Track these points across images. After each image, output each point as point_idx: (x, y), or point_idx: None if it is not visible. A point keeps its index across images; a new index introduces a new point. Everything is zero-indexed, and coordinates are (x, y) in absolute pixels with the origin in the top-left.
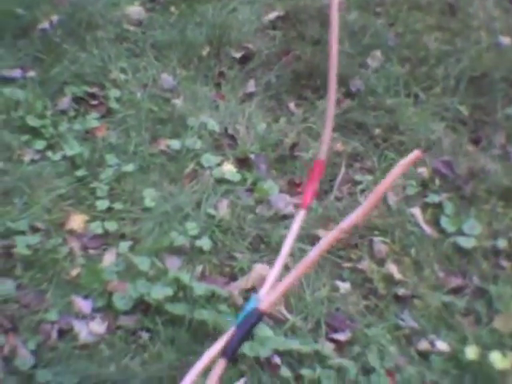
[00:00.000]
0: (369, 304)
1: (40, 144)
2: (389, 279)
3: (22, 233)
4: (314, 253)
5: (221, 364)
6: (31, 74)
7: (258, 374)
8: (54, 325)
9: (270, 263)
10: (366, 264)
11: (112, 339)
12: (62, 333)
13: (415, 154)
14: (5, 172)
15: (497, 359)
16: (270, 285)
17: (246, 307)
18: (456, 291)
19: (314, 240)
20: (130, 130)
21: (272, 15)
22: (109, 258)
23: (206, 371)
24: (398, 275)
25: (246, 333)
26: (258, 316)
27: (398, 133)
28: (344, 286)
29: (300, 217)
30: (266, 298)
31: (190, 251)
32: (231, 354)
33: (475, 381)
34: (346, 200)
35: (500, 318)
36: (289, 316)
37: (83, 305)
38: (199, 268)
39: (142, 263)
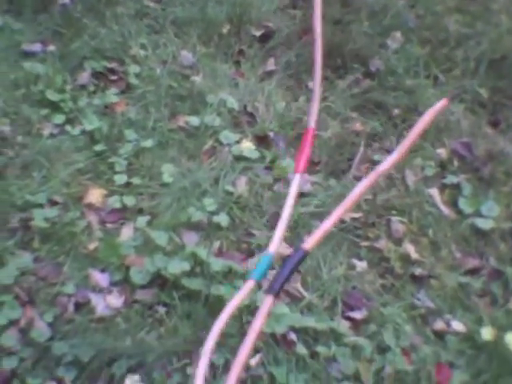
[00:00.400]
0: (385, 283)
1: (59, 118)
2: (406, 259)
3: (40, 206)
4: (352, 194)
5: (268, 300)
6: (51, 48)
7: (274, 351)
8: (71, 298)
9: (288, 241)
10: (383, 243)
11: (128, 313)
12: (78, 306)
13: (443, 101)
14: (24, 146)
15: None
16: (276, 245)
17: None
18: (473, 272)
19: None
20: (149, 105)
21: None
22: (126, 233)
23: None
24: (414, 255)
25: (291, 270)
26: (303, 254)
27: (417, 114)
28: (361, 265)
29: (296, 180)
30: (309, 239)
31: (208, 227)
32: (277, 290)
33: (490, 361)
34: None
35: None
36: (305, 293)
37: (100, 278)
38: (216, 244)
39: (160, 238)
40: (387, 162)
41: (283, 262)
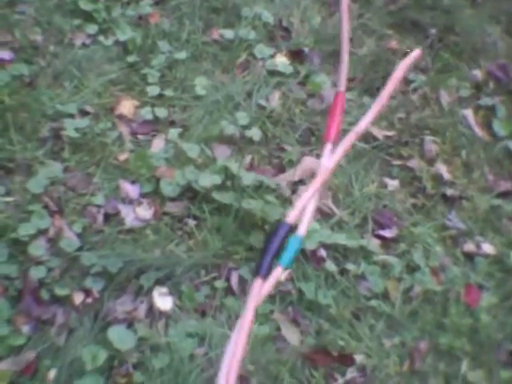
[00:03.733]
0: (416, 202)
1: (92, 28)
2: (438, 179)
3: (71, 116)
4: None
5: None
6: None
7: (303, 267)
8: (100, 209)
9: (319, 156)
10: (415, 162)
11: (158, 225)
12: (107, 217)
13: (416, 52)
14: (56, 55)
15: None
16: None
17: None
18: (505, 195)
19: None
20: (184, 17)
21: None
22: (158, 145)
23: None
24: (447, 175)
25: None
26: None
27: (454, 34)
28: (392, 184)
29: (327, 150)
30: None
31: (240, 141)
32: None
33: None
34: (399, 98)
35: None
36: (336, 210)
37: (130, 189)
38: (248, 158)
39: (191, 150)
40: (365, 120)
41: None
